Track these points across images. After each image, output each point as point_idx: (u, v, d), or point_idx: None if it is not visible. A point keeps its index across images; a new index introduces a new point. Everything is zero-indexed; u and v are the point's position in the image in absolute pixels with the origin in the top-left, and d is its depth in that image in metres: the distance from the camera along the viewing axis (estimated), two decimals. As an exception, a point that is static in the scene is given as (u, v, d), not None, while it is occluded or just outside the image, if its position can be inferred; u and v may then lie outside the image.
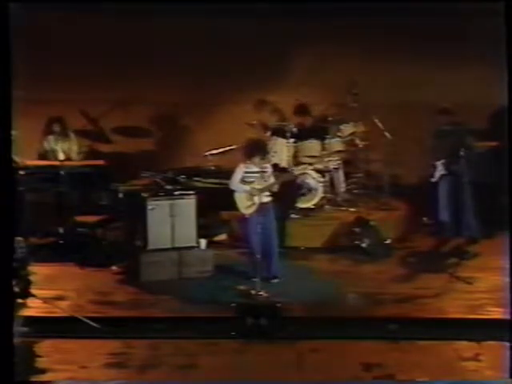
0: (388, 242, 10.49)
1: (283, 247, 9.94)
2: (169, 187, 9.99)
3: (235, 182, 9.23)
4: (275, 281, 9.25)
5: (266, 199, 9.19)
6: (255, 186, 9.12)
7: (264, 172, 9.12)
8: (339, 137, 11.44)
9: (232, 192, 9.24)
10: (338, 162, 11.44)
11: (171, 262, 9.61)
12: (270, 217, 9.27)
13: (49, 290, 8.84)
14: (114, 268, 9.92)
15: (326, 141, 11.32)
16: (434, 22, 11.41)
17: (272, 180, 9.21)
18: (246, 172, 9.19)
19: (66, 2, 10.83)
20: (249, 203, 9.15)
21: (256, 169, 9.14)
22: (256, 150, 9.21)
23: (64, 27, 11.66)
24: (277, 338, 7.93)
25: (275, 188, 9.23)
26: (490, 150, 10.89)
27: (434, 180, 10.30)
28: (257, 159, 9.15)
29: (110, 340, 7.87)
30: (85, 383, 7.19)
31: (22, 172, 10.38)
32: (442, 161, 10.17)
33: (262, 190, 9.09)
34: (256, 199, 9.08)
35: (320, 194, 10.96)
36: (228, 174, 9.52)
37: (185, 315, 8.48)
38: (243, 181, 9.20)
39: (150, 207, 9.71)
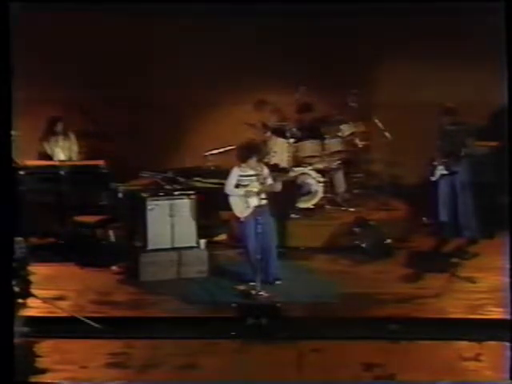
0: (388, 241, 10.48)
1: (283, 247, 9.94)
2: (168, 187, 9.98)
3: (230, 187, 9.14)
4: (278, 283, 9.20)
5: (263, 202, 9.07)
6: (251, 188, 9.06)
7: (260, 174, 9.02)
8: (339, 137, 11.44)
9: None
10: (338, 162, 11.44)
11: (171, 262, 9.61)
12: (267, 220, 9.12)
13: (49, 290, 8.84)
14: (113, 268, 9.92)
15: (326, 141, 11.33)
16: (433, 22, 11.42)
17: (269, 182, 9.12)
18: (241, 175, 9.10)
19: (65, 2, 10.83)
20: (244, 206, 9.10)
21: (251, 172, 9.06)
22: (251, 152, 9.07)
23: (64, 27, 11.66)
24: (277, 338, 7.93)
25: (277, 189, 9.14)
26: (490, 149, 10.90)
27: (433, 179, 10.28)
28: (252, 161, 9.05)
29: (110, 340, 7.87)
30: (85, 383, 7.19)
31: (21, 172, 10.38)
32: (443, 160, 10.16)
33: (258, 193, 9.03)
34: (251, 202, 9.05)
35: (320, 194, 10.95)
36: (228, 174, 9.50)
37: (185, 315, 8.48)
38: (238, 184, 9.11)
39: (149, 207, 9.70)
